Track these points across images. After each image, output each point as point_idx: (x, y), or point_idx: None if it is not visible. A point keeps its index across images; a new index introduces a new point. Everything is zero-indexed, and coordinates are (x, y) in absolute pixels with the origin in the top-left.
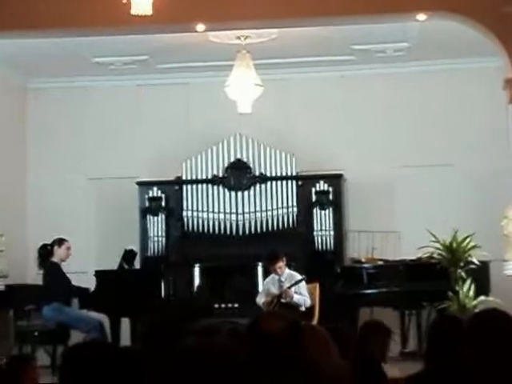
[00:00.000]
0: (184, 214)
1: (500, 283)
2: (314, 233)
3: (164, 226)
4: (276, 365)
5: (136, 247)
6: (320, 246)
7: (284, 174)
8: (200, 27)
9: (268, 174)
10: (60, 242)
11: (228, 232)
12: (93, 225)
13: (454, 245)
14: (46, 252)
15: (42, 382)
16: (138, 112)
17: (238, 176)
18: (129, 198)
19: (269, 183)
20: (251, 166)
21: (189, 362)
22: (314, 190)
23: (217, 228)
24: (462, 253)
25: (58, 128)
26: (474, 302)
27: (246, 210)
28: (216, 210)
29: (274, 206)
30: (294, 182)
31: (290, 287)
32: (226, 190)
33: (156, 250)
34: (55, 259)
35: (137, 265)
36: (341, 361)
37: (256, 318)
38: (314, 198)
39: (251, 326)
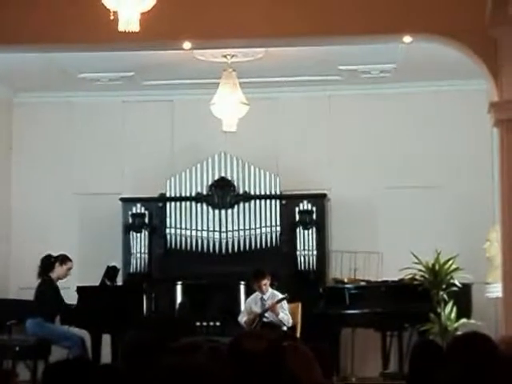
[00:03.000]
0: (167, 231)
1: (482, 306)
2: (297, 252)
3: (147, 243)
4: (258, 383)
5: (119, 263)
6: (303, 266)
7: (268, 192)
8: (186, 45)
9: (252, 193)
10: (64, 260)
11: (211, 250)
12: (76, 240)
13: (437, 267)
14: (47, 263)
15: None
16: (123, 128)
17: (222, 194)
18: (112, 214)
19: (252, 202)
20: (235, 184)
21: (170, 381)
22: (297, 209)
23: (200, 246)
24: (444, 275)
25: (44, 143)
26: (456, 325)
27: (230, 228)
28: (199, 227)
29: (258, 225)
30: (278, 201)
31: (274, 304)
32: (210, 207)
33: (138, 267)
34: (53, 275)
35: (119, 281)
36: (323, 379)
37: (237, 337)
38: (297, 217)
39: (233, 344)
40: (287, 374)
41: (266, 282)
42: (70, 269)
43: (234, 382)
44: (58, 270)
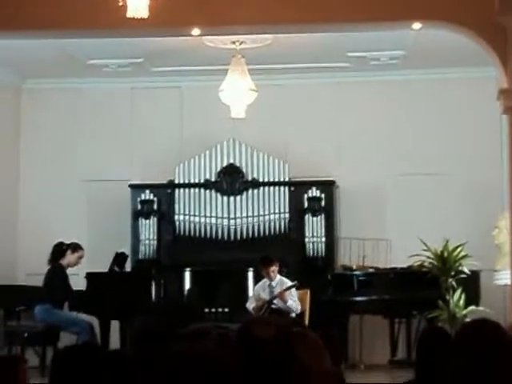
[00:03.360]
0: (176, 217)
1: (490, 293)
2: (306, 239)
3: (156, 230)
4: (267, 370)
5: (127, 250)
6: (311, 253)
7: (276, 179)
8: (195, 31)
9: (260, 180)
10: (75, 248)
11: (219, 237)
12: (84, 227)
13: (445, 254)
14: (59, 251)
15: (30, 383)
16: (132, 115)
17: (231, 181)
18: (121, 201)
19: (261, 188)
20: (244, 170)
21: (178, 367)
22: (306, 196)
23: (208, 232)
24: (452, 262)
25: (52, 129)
26: (464, 312)
27: (238, 214)
28: (208, 214)
29: (266, 212)
30: (287, 188)
31: (284, 291)
32: (219, 194)
33: (147, 254)
34: (64, 262)
35: (128, 268)
36: (333, 367)
37: (246, 323)
38: (306, 204)
39: (241, 331)
40: (296, 360)
41: (274, 268)
42: (81, 257)
43: (243, 368)
44: (70, 257)
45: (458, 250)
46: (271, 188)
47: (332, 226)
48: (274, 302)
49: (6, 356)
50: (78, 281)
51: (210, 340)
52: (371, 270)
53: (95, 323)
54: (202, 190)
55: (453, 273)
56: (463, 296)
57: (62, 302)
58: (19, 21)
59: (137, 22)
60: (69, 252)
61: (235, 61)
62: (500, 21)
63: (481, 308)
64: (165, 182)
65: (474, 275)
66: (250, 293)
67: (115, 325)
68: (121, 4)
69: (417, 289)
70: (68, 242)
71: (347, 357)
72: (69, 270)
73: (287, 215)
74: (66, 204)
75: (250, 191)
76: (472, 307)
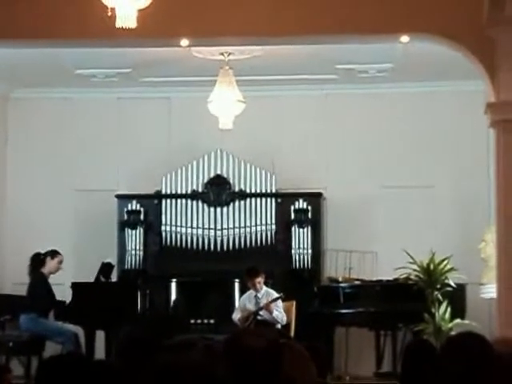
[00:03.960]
0: (163, 228)
1: (476, 306)
2: (292, 251)
3: (142, 240)
4: (254, 382)
5: (114, 260)
6: (297, 264)
7: (264, 190)
8: (184, 42)
9: (248, 191)
10: (53, 254)
11: (206, 247)
12: (71, 236)
13: (432, 267)
14: (37, 260)
15: None
16: (119, 125)
17: (218, 192)
18: (108, 211)
19: (248, 200)
20: (231, 181)
21: (165, 378)
22: (293, 207)
23: (195, 243)
24: (438, 275)
25: (39, 138)
26: (450, 325)
27: (225, 225)
28: (195, 225)
29: (253, 223)
30: (274, 200)
31: (269, 303)
32: (206, 205)
33: (133, 264)
34: (44, 270)
35: (114, 278)
36: (318, 379)
37: (236, 334)
38: (292, 215)
39: (231, 341)
40: (283, 372)
41: (259, 279)
42: (61, 262)
43: (230, 379)
44: (50, 264)
45: (444, 262)
46: (258, 199)
47: (319, 238)
48: (260, 313)
49: None
50: (63, 290)
51: (196, 351)
52: (357, 283)
53: (80, 333)
54: (189, 201)
55: (439, 286)
56: (449, 309)
57: (46, 311)
58: (7, 30)
59: (125, 32)
60: (48, 259)
61: (223, 72)
62: (489, 33)
63: (466, 321)
64: (152, 192)
65: (460, 288)
66: (236, 304)
67: (100, 335)
68: (109, 14)
69: (403, 301)
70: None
71: (333, 368)
72: (54, 280)
73: (274, 227)
74: (53, 213)
75: (236, 202)
76: (458, 320)
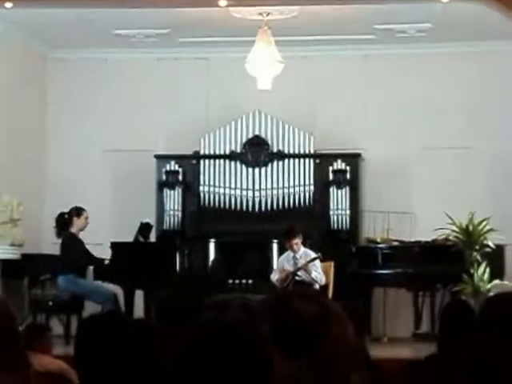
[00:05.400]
0: (201, 188)
1: None
2: (330, 212)
3: (180, 200)
4: (298, 347)
5: (152, 220)
6: (335, 225)
7: (302, 151)
8: (222, 2)
9: (286, 152)
10: (78, 212)
11: (244, 208)
12: (109, 197)
13: (471, 227)
14: (63, 221)
15: (55, 351)
16: (158, 85)
17: (256, 152)
18: (146, 171)
19: (286, 160)
20: (269, 142)
21: (206, 336)
22: (331, 168)
23: (233, 204)
24: (477, 236)
25: (78, 99)
26: (489, 286)
27: (263, 186)
28: (233, 185)
29: (291, 184)
30: (312, 160)
31: (307, 263)
32: (244, 166)
33: (172, 224)
34: (73, 230)
35: (152, 238)
36: (356, 339)
37: (283, 297)
38: (330, 176)
39: (278, 304)
40: (330, 338)
41: (297, 241)
42: (87, 218)
43: (271, 340)
44: (77, 222)
45: (483, 223)
46: (296, 160)
47: (357, 199)
48: (298, 273)
49: (31, 324)
50: (102, 250)
51: (235, 310)
52: (395, 244)
53: (119, 293)
54: (227, 162)
55: (477, 247)
56: (488, 270)
57: (83, 270)
58: None
59: None
60: (75, 219)
61: (262, 32)
62: None
63: (505, 282)
64: (190, 153)
65: (499, 249)
66: (275, 264)
67: (139, 295)
68: None
69: (441, 262)
70: (90, 212)
71: (370, 329)
72: (93, 240)
73: (312, 187)
74: (92, 173)
75: (275, 163)
76: (496, 281)
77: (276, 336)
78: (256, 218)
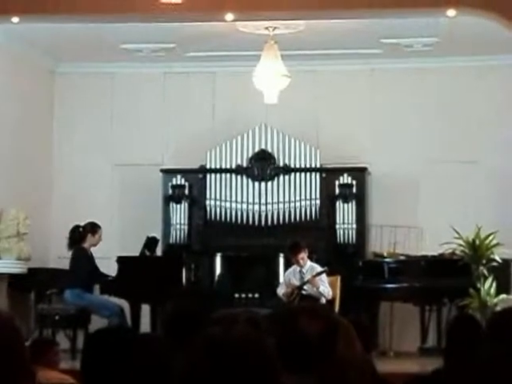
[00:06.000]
0: (207, 202)
1: None
2: (337, 226)
3: (187, 214)
4: (304, 362)
5: (158, 234)
6: (342, 239)
7: (308, 165)
8: (229, 17)
9: (292, 166)
10: (94, 229)
11: (250, 222)
12: (116, 211)
13: (477, 242)
14: (77, 235)
15: (61, 366)
16: (164, 100)
17: (262, 166)
18: (152, 186)
19: (292, 174)
20: (275, 156)
21: (213, 350)
22: (337, 182)
23: (239, 218)
24: (484, 250)
25: (85, 113)
26: (495, 300)
27: (269, 200)
28: (239, 199)
29: (297, 198)
30: (318, 174)
31: (314, 277)
32: (250, 180)
33: (178, 238)
34: (85, 244)
35: (159, 252)
36: (364, 355)
37: (288, 313)
38: (337, 190)
39: (283, 321)
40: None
41: (302, 255)
42: (100, 235)
43: (276, 353)
44: (91, 239)
45: (490, 237)
46: (302, 174)
47: (363, 213)
48: (305, 287)
49: (37, 338)
50: (109, 264)
51: (241, 324)
52: (402, 258)
53: (126, 307)
54: (234, 176)
55: (484, 261)
56: (494, 284)
57: (90, 285)
58: (55, 5)
59: (171, 6)
60: (89, 235)
61: (268, 46)
62: None
63: None
64: (196, 167)
65: (506, 263)
66: (281, 278)
67: (146, 309)
68: None
69: (448, 277)
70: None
71: (377, 344)
72: (100, 254)
73: (318, 201)
74: (99, 187)
75: (281, 177)
76: (503, 295)
77: (282, 352)
78: (262, 231)
